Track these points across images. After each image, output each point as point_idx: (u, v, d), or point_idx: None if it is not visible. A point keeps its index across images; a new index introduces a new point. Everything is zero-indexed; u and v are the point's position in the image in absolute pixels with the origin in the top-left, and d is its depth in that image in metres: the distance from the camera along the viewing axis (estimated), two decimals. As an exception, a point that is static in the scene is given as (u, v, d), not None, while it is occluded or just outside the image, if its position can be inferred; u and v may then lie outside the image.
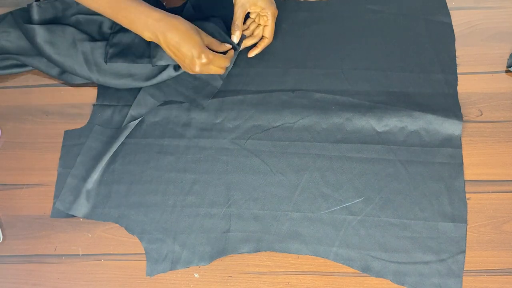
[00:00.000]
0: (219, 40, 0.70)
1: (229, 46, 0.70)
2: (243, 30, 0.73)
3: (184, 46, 0.63)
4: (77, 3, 0.75)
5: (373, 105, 0.71)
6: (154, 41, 0.65)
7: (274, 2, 0.72)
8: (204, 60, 0.64)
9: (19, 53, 0.77)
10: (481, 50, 0.76)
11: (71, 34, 0.73)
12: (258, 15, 0.73)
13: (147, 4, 0.65)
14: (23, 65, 0.78)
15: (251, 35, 0.75)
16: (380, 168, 0.68)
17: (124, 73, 0.73)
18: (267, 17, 0.72)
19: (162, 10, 0.64)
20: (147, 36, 0.65)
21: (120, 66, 0.73)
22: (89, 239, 0.67)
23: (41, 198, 0.70)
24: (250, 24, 0.75)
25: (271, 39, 0.75)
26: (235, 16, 0.71)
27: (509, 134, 0.70)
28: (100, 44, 0.73)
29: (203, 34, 0.66)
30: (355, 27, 0.79)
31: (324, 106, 0.72)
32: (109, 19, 0.72)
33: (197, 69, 0.65)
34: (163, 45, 0.65)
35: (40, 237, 0.68)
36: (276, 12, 0.72)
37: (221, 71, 0.69)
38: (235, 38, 0.71)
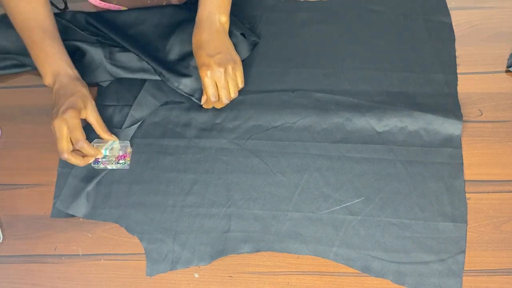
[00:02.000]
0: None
1: (111, 138, 0.68)
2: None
3: (65, 97, 0.64)
4: (74, 28, 0.78)
5: (373, 105, 0.71)
6: (49, 86, 0.67)
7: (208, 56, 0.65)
8: (67, 115, 0.61)
9: (19, 53, 0.77)
10: (481, 50, 0.76)
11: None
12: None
13: (66, 56, 0.68)
14: (23, 65, 0.78)
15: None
16: (380, 168, 0.68)
17: (137, 68, 0.74)
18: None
19: (75, 70, 0.68)
20: (48, 81, 0.66)
21: (132, 61, 0.74)
22: (89, 239, 0.67)
23: (41, 198, 0.70)
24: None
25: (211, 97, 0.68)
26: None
27: (509, 134, 0.70)
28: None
29: (92, 109, 0.65)
30: (355, 27, 0.79)
31: (324, 106, 0.72)
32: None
33: (54, 121, 0.62)
34: (55, 89, 0.65)
35: (40, 237, 0.68)
36: (208, 68, 0.64)
37: (60, 145, 0.62)
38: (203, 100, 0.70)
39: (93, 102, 0.67)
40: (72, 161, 0.64)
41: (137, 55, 0.73)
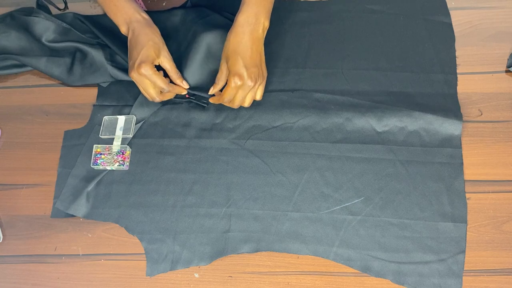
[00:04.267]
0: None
1: (185, 85, 0.69)
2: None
3: (137, 49, 0.66)
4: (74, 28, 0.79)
5: (373, 105, 0.71)
6: (126, 35, 0.69)
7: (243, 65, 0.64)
8: (142, 70, 0.64)
9: (19, 53, 0.77)
10: (481, 50, 0.76)
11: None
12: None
13: (135, 4, 0.69)
14: (23, 65, 0.78)
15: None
16: (380, 168, 0.68)
17: None
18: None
19: (146, 15, 0.70)
20: (123, 30, 0.69)
21: None
22: (89, 239, 0.67)
23: (41, 198, 0.70)
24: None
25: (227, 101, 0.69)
26: (220, 69, 0.67)
27: (509, 134, 0.70)
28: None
29: (165, 56, 0.67)
30: (355, 27, 0.79)
31: (324, 106, 0.72)
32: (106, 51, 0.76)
33: (131, 74, 0.66)
34: (128, 40, 0.68)
35: (40, 237, 0.68)
36: (239, 78, 0.64)
37: (148, 94, 0.68)
38: (211, 90, 0.69)
39: (166, 49, 0.68)
40: (166, 98, 0.70)
41: (124, 58, 0.74)
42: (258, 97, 0.69)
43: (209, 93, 0.70)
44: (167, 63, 0.68)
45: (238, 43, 0.65)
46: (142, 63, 0.64)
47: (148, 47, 0.65)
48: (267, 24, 0.67)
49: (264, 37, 0.68)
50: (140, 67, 0.64)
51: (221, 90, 0.69)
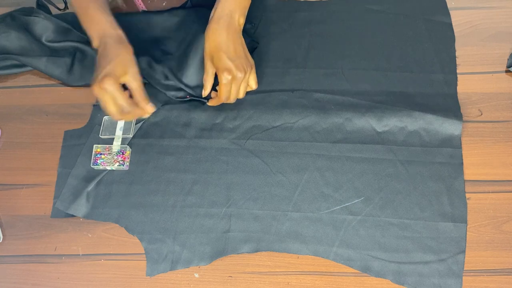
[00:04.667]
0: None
1: (149, 109, 0.65)
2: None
3: (103, 63, 0.62)
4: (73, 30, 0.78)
5: (373, 105, 0.71)
6: (97, 48, 0.66)
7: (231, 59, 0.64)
8: (105, 84, 0.60)
9: (19, 53, 0.77)
10: (481, 50, 0.76)
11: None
12: None
13: (111, 18, 0.67)
14: (23, 65, 0.78)
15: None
16: (380, 168, 0.68)
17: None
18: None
19: (121, 31, 0.67)
20: (95, 43, 0.66)
21: None
22: (89, 239, 0.67)
23: (41, 198, 0.70)
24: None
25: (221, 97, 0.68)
26: (206, 68, 0.67)
27: (509, 134, 0.70)
28: None
29: (133, 75, 0.63)
30: (355, 27, 0.79)
31: (324, 106, 0.72)
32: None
33: (93, 87, 0.62)
34: (98, 54, 0.65)
35: (40, 237, 0.68)
36: (229, 72, 0.64)
37: (108, 110, 0.62)
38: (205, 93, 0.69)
39: (136, 68, 0.64)
40: (127, 119, 0.65)
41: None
42: (254, 85, 0.69)
43: (203, 97, 0.70)
44: (134, 82, 0.63)
45: (218, 40, 0.64)
46: (105, 77, 0.60)
47: (116, 63, 0.62)
48: (242, 20, 0.67)
49: (241, 31, 0.68)
50: (103, 82, 0.60)
51: (214, 89, 0.69)
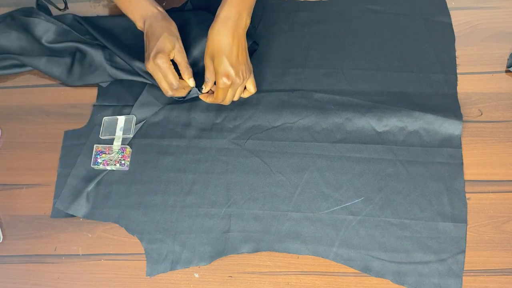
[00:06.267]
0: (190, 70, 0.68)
1: (190, 83, 0.68)
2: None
3: (153, 40, 0.66)
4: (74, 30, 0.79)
5: (373, 105, 0.71)
6: (142, 30, 0.69)
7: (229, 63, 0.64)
8: (158, 60, 0.64)
9: (19, 53, 0.77)
10: (481, 50, 0.76)
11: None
12: None
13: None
14: (23, 65, 0.78)
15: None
16: (380, 168, 0.68)
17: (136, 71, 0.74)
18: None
19: (162, 8, 0.69)
20: (140, 25, 0.69)
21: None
22: (89, 239, 0.67)
23: (41, 198, 0.70)
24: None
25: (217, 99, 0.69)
26: (206, 65, 0.67)
27: (509, 134, 0.70)
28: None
29: (178, 49, 0.66)
30: (355, 27, 0.79)
31: (324, 106, 0.72)
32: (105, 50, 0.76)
33: (147, 65, 0.66)
34: (145, 33, 0.68)
35: (40, 237, 0.68)
36: (227, 78, 0.64)
37: (161, 86, 0.67)
38: (204, 89, 0.69)
39: (180, 42, 0.67)
40: (178, 95, 0.69)
41: (123, 59, 0.74)
42: (253, 90, 0.70)
43: (202, 92, 0.69)
44: (179, 56, 0.66)
45: (222, 42, 0.64)
46: (158, 53, 0.64)
47: (164, 38, 0.65)
48: (248, 21, 0.66)
49: (245, 34, 0.67)
50: (156, 57, 0.64)
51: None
